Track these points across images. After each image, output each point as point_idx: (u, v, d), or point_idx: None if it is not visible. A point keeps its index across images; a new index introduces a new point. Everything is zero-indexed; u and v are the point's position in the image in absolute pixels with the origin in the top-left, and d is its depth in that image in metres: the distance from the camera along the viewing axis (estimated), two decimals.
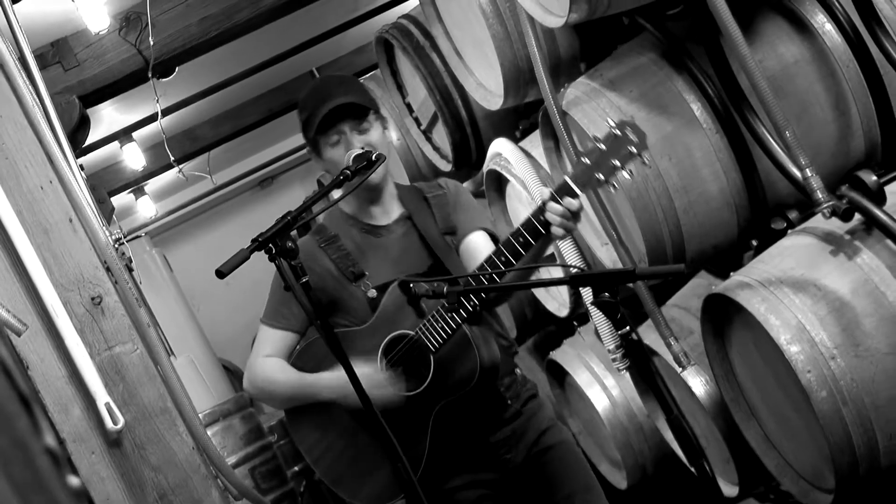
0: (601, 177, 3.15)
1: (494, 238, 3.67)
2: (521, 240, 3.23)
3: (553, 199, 3.19)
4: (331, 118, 3.45)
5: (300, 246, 3.51)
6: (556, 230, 3.20)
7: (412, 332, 3.39)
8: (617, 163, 3.14)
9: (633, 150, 3.13)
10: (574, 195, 3.18)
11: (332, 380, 3.43)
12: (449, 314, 3.29)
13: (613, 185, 3.20)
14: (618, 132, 3.15)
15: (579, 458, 3.63)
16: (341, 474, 3.56)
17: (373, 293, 3.49)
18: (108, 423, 3.47)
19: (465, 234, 3.61)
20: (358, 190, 3.35)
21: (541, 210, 3.21)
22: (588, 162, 3.17)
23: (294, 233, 3.03)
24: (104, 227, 4.01)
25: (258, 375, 3.61)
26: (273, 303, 3.62)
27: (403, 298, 3.26)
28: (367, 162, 3.27)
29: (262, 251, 2.91)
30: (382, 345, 3.44)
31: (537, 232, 3.21)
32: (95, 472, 3.52)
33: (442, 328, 3.32)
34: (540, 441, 3.56)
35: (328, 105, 3.44)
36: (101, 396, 3.48)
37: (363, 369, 3.31)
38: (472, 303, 3.29)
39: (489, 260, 3.28)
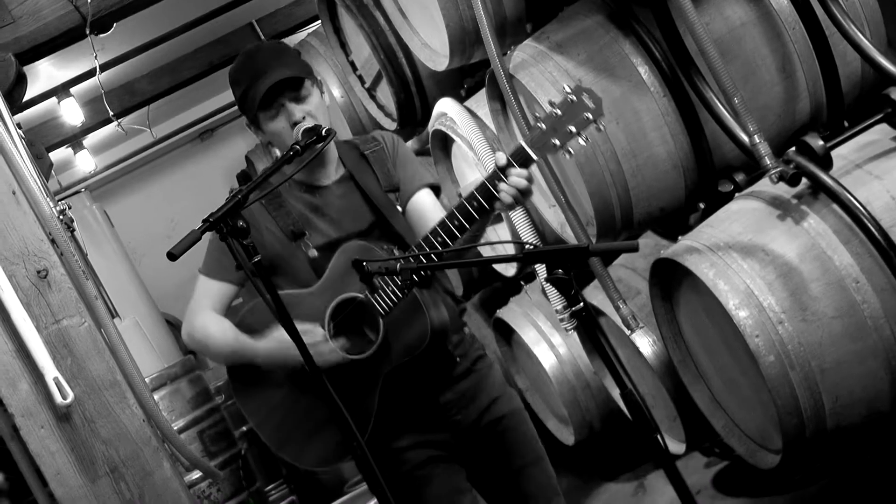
0: (556, 142, 3.13)
1: (437, 190, 3.65)
2: (474, 203, 3.21)
3: (508, 163, 3.17)
4: (269, 94, 3.41)
5: None
6: (506, 196, 3.19)
7: (361, 295, 3.36)
8: (573, 129, 3.12)
9: (590, 116, 3.12)
10: (529, 160, 3.17)
11: (269, 347, 3.39)
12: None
13: (568, 151, 3.18)
14: (574, 98, 3.13)
15: (530, 428, 3.63)
16: (285, 438, 3.53)
17: (313, 253, 3.45)
18: (58, 398, 3.44)
19: (409, 193, 3.58)
20: (302, 158, 3.30)
21: (495, 174, 3.20)
22: (544, 127, 3.15)
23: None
24: (48, 198, 3.96)
25: (197, 329, 3.57)
26: (212, 253, 3.57)
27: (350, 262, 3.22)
28: (316, 136, 3.24)
29: (214, 231, 2.86)
30: (330, 308, 3.41)
31: (491, 196, 3.19)
32: (45, 446, 3.49)
33: (392, 291, 3.30)
34: (492, 409, 3.55)
35: (265, 83, 3.39)
36: (50, 371, 3.45)
37: (304, 327, 3.27)
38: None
39: (442, 224, 3.25)
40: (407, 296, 3.32)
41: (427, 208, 3.58)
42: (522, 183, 3.18)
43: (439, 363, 3.51)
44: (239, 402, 3.66)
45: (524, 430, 3.60)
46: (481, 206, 3.21)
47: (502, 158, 3.19)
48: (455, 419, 3.54)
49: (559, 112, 3.14)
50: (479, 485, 3.63)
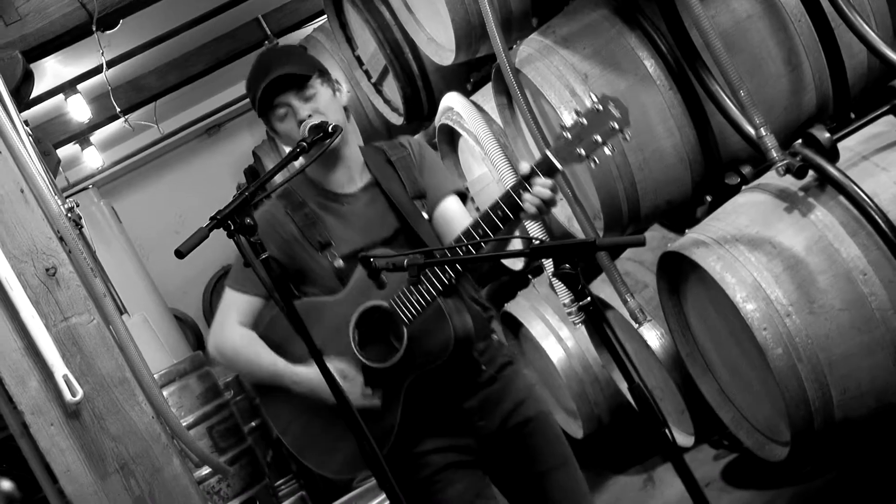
0: (582, 152, 3.10)
1: (464, 197, 3.63)
2: (499, 213, 3.19)
3: (532, 172, 3.15)
4: (272, 92, 3.40)
5: (266, 210, 3.48)
6: (530, 207, 3.17)
7: (385, 304, 3.35)
8: (598, 138, 3.09)
9: (616, 125, 3.08)
10: (554, 169, 3.14)
11: (302, 375, 3.39)
12: (424, 286, 3.26)
13: (594, 161, 3.15)
14: (600, 107, 3.10)
15: (557, 431, 3.58)
16: (308, 445, 3.51)
17: (339, 263, 3.43)
18: (67, 395, 3.45)
19: (437, 200, 3.55)
20: (318, 158, 3.29)
21: (519, 184, 3.17)
22: (569, 136, 3.12)
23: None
24: (56, 196, 3.96)
25: (227, 346, 3.53)
26: (239, 268, 3.55)
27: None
28: (323, 133, 3.23)
29: (221, 228, 2.86)
30: (354, 316, 3.40)
31: (516, 206, 3.17)
32: (55, 443, 3.50)
33: (417, 300, 3.28)
34: (518, 412, 3.50)
35: (265, 81, 3.40)
36: (59, 368, 3.46)
37: (335, 365, 3.28)
38: (447, 275, 3.26)
39: (466, 233, 3.24)
40: (432, 304, 3.31)
41: (455, 215, 3.55)
42: (546, 193, 3.14)
43: (464, 370, 3.48)
44: (263, 407, 3.65)
45: (550, 433, 3.55)
46: (506, 216, 3.19)
47: (526, 167, 3.16)
48: (478, 424, 3.50)
49: (585, 121, 3.11)
50: (504, 490, 3.59)
